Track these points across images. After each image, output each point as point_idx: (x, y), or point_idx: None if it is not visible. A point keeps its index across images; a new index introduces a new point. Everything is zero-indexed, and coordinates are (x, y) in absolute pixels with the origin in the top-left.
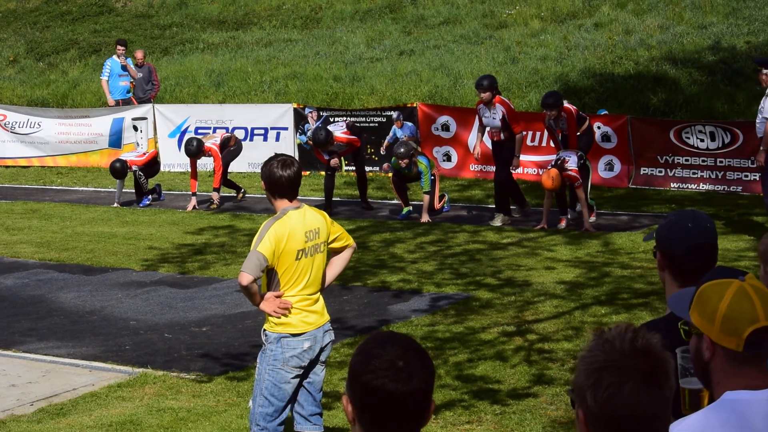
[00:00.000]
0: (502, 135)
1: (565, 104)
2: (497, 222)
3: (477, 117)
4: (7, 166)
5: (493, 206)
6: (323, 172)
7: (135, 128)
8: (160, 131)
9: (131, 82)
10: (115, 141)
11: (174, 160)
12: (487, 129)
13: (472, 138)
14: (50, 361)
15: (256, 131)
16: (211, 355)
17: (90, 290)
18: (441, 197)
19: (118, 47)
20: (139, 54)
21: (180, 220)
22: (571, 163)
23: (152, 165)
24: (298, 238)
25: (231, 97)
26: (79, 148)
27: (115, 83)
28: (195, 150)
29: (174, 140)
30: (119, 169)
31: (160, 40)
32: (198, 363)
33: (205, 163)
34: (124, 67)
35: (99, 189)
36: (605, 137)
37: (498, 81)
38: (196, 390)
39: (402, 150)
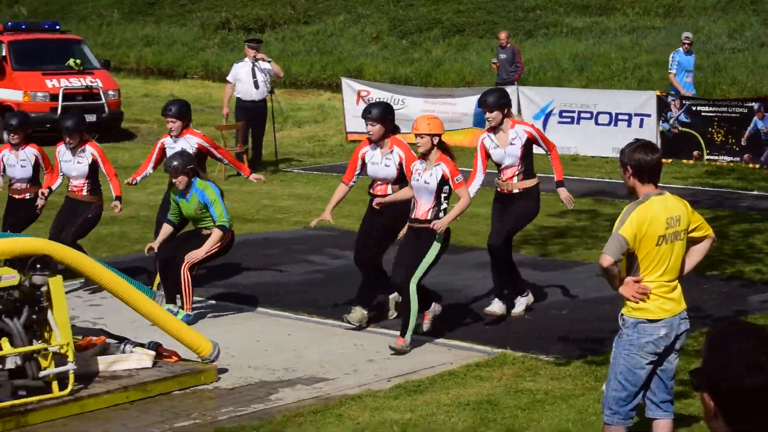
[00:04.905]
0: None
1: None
2: None
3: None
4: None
5: None
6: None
7: None
8: (524, 113)
9: None
10: (480, 121)
11: None
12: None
13: None
14: (413, 338)
15: (620, 117)
16: (569, 339)
17: (449, 270)
18: None
19: (684, 41)
20: (502, 35)
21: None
22: None
23: None
24: (660, 223)
25: (594, 83)
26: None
27: (680, 79)
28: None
29: (539, 122)
30: None
31: (524, 23)
32: (557, 346)
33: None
34: (689, 59)
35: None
36: None
37: None
38: (554, 373)
39: None
